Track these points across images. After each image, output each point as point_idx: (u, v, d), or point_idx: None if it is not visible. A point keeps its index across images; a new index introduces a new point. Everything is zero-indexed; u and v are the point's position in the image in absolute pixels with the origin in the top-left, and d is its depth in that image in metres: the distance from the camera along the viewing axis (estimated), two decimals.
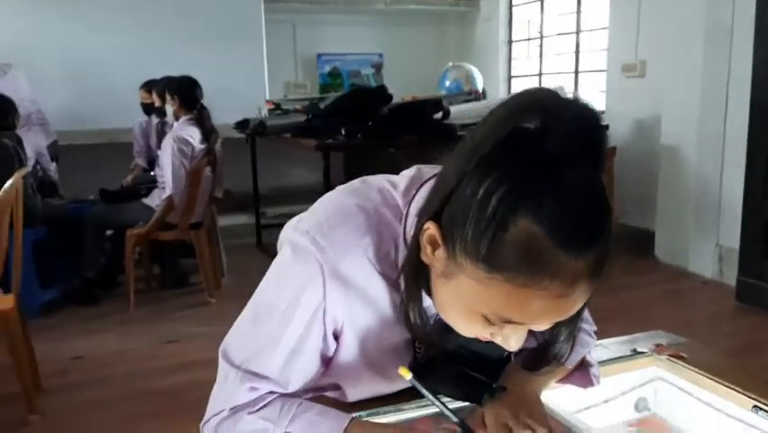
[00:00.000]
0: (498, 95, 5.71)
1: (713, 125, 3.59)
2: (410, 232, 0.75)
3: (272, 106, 4.37)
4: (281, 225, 3.88)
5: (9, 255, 2.29)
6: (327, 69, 5.78)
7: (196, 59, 4.75)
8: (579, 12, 4.89)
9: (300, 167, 5.46)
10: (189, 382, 2.59)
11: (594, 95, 4.70)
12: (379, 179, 0.83)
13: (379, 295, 0.78)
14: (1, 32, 4.36)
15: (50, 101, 4.20)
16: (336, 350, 0.81)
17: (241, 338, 0.83)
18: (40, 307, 3.27)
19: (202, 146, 3.36)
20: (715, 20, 3.50)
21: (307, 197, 4.95)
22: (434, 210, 0.68)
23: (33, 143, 3.58)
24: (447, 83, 5.00)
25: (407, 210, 0.77)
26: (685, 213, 3.78)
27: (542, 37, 5.39)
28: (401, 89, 5.27)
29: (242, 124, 4.20)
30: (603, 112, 4.52)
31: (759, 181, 3.10)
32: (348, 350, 0.81)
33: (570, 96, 0.66)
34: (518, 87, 5.74)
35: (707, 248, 3.66)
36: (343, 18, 5.77)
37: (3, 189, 2.28)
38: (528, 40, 5.59)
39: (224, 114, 3.85)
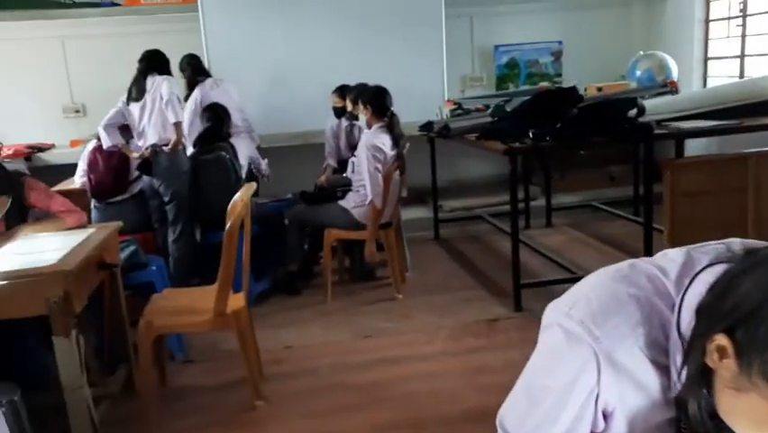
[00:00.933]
0: (692, 80, 5.27)
1: None
2: (686, 325, 0.77)
3: (453, 106, 4.44)
4: (459, 220, 4.02)
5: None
6: (504, 59, 5.72)
7: (379, 60, 4.98)
8: None
9: (475, 160, 5.51)
10: (386, 378, 2.79)
11: None
12: (648, 266, 0.86)
13: (649, 380, 0.81)
14: (215, 48, 4.87)
15: (253, 108, 4.64)
16: (605, 429, 0.85)
17: (517, 414, 0.90)
18: (254, 297, 3.67)
19: (392, 152, 3.54)
20: None
21: (483, 190, 5.02)
22: (728, 326, 0.70)
23: (244, 150, 3.99)
24: (638, 73, 4.71)
25: (681, 301, 0.79)
26: None
27: (745, 15, 4.86)
28: (583, 78, 5.09)
29: (426, 127, 4.32)
30: None
31: None
32: (617, 429, 0.85)
33: None
34: (715, 70, 5.25)
35: None
36: (521, 7, 5.66)
37: (233, 202, 2.61)
38: (728, 19, 5.06)
39: (405, 112, 3.97)
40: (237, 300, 2.60)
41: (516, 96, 4.31)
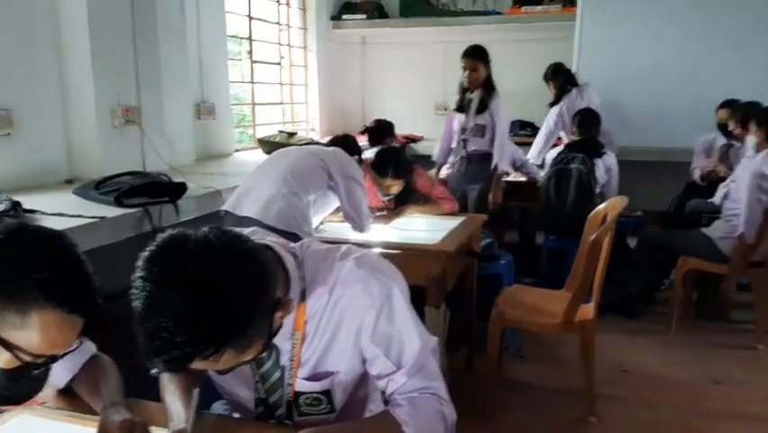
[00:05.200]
0: None
1: None
2: None
3: None
4: None
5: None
6: None
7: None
8: None
9: None
10: None
11: None
12: None
13: None
14: (585, 56, 4.86)
15: (614, 118, 4.50)
16: None
17: None
18: None
19: None
20: None
21: None
22: None
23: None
24: None
25: None
26: None
27: None
28: None
29: None
30: None
31: None
32: None
33: None
34: None
35: None
36: None
37: (595, 212, 2.58)
38: None
39: None
40: (587, 311, 2.59)
41: None
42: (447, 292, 2.44)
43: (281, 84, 5.12)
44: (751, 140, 3.26)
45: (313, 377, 1.12)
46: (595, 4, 4.79)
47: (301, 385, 1.12)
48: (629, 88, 4.83)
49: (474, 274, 2.98)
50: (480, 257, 3.03)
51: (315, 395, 1.12)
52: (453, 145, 3.89)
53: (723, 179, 3.69)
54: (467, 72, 3.67)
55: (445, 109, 5.72)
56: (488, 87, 3.70)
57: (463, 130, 3.76)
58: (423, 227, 2.95)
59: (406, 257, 2.41)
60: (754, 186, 3.05)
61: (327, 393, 1.13)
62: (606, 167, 3.81)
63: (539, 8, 5.04)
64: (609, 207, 2.63)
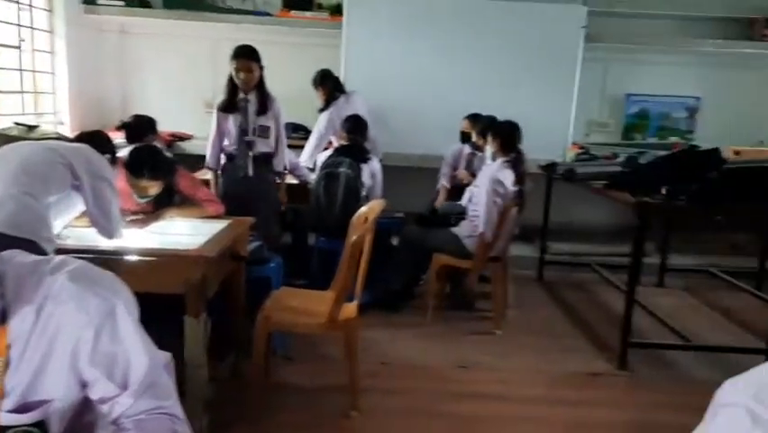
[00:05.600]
0: None
1: None
2: None
3: (579, 150, 4.37)
4: (564, 264, 3.90)
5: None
6: (635, 109, 5.57)
7: (511, 93, 5.01)
8: None
9: (589, 205, 5.37)
10: (483, 413, 2.77)
11: None
12: None
13: None
14: (351, 64, 5.07)
15: (378, 124, 4.78)
16: None
17: None
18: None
19: (514, 188, 3.54)
20: None
21: (593, 237, 4.88)
22: None
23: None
24: None
25: None
26: None
27: None
28: (717, 138, 4.84)
29: (549, 167, 4.29)
30: None
31: None
32: None
33: None
34: None
35: None
36: (660, 58, 5.49)
37: (359, 215, 2.70)
38: None
39: (528, 149, 3.94)
40: (350, 310, 2.69)
41: (644, 148, 4.20)
42: (208, 299, 2.34)
43: (21, 70, 4.49)
44: (489, 149, 3.69)
45: (21, 408, 0.97)
46: (360, 16, 5.02)
47: (7, 418, 0.97)
48: (391, 98, 5.14)
49: (242, 279, 2.91)
50: (248, 261, 2.98)
51: (25, 428, 0.98)
52: (228, 146, 3.73)
53: (469, 185, 4.13)
54: (241, 73, 3.57)
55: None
56: (262, 89, 3.65)
57: (244, 132, 3.65)
58: (184, 231, 2.81)
59: (161, 264, 2.27)
60: (491, 190, 3.46)
61: (41, 424, 0.99)
62: (371, 172, 4.01)
63: (308, 14, 5.14)
64: (370, 209, 2.76)
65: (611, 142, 5.11)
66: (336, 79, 4.62)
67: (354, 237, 2.52)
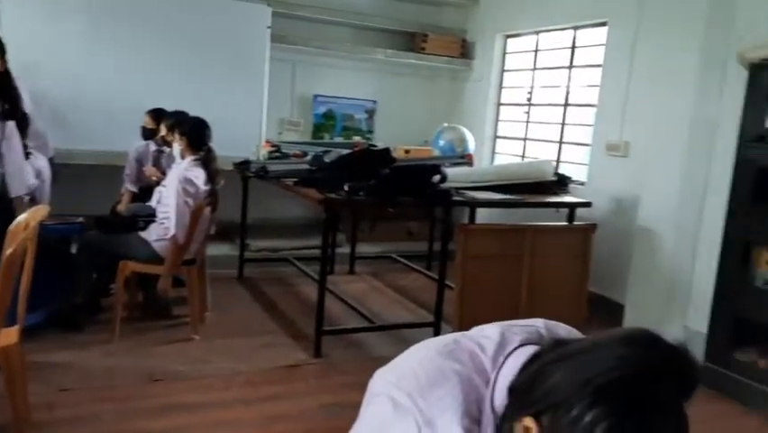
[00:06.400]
0: (483, 153, 5.93)
1: (689, 215, 3.82)
2: (499, 402, 0.87)
3: (271, 148, 4.45)
4: (264, 260, 4.04)
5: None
6: (322, 110, 5.91)
7: (198, 89, 4.87)
8: (568, 85, 5.15)
9: (285, 201, 5.54)
10: (176, 426, 2.64)
11: (574, 168, 4.93)
12: (469, 343, 0.95)
13: None
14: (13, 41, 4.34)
15: (46, 117, 4.19)
16: None
17: None
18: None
19: (206, 187, 3.43)
20: (701, 113, 3.72)
21: (290, 232, 5.07)
22: (536, 411, 0.79)
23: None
24: (441, 143, 5.19)
25: (495, 379, 0.89)
26: (655, 293, 3.98)
27: (530, 105, 5.64)
28: (392, 138, 5.45)
29: (242, 165, 4.28)
30: (583, 184, 4.76)
31: (732, 273, 3.33)
32: None
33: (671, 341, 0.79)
34: (503, 147, 5.97)
35: (673, 329, 3.87)
36: (341, 62, 5.93)
37: (15, 224, 2.31)
38: (517, 105, 5.83)
39: (219, 146, 3.89)
40: (8, 336, 2.28)
41: (331, 147, 4.48)
42: None
43: None
44: (177, 147, 3.51)
45: None
46: None
47: None
48: (69, 90, 4.60)
49: None
50: None
51: None
52: None
53: (159, 183, 3.87)
54: None
55: None
56: None
57: None
58: None
59: None
60: (180, 190, 3.30)
61: None
62: (36, 170, 3.48)
63: None
64: (31, 215, 2.38)
65: (302, 140, 5.33)
66: None
67: (10, 250, 2.14)
